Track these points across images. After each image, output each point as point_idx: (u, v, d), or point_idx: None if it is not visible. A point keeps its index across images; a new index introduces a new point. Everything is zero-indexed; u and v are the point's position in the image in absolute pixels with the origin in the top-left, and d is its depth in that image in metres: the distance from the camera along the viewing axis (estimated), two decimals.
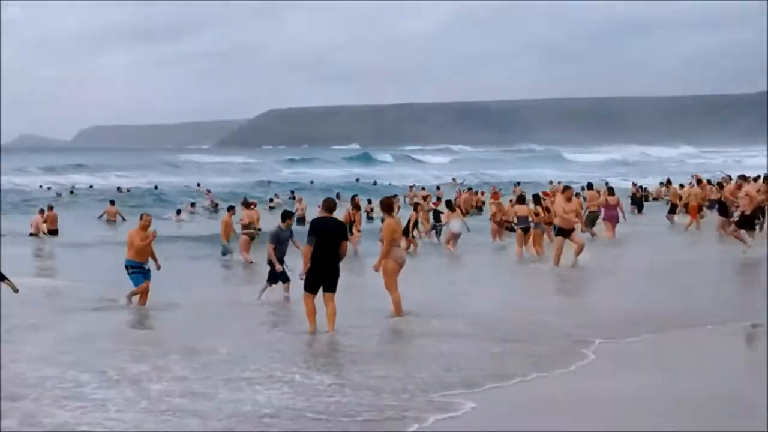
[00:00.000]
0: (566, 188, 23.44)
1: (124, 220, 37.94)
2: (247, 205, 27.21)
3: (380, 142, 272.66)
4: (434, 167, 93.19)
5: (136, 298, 16.97)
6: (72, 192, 55.01)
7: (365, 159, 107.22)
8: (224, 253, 25.87)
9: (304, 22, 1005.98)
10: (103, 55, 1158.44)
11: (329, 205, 13.73)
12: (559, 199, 22.38)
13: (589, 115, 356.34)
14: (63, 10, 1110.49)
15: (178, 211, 41.70)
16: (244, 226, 25.69)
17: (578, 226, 23.42)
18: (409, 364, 11.55)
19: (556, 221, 22.02)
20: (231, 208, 27.19)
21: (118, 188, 54.57)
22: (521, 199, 26.89)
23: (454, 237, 26.44)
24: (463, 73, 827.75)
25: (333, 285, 13.31)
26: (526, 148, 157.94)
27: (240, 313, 16.30)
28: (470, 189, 46.06)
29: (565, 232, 21.70)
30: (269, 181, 55.57)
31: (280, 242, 17.51)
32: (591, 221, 29.24)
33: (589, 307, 16.88)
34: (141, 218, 17.21)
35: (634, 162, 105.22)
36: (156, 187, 55.93)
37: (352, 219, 26.08)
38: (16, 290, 14.78)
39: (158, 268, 16.90)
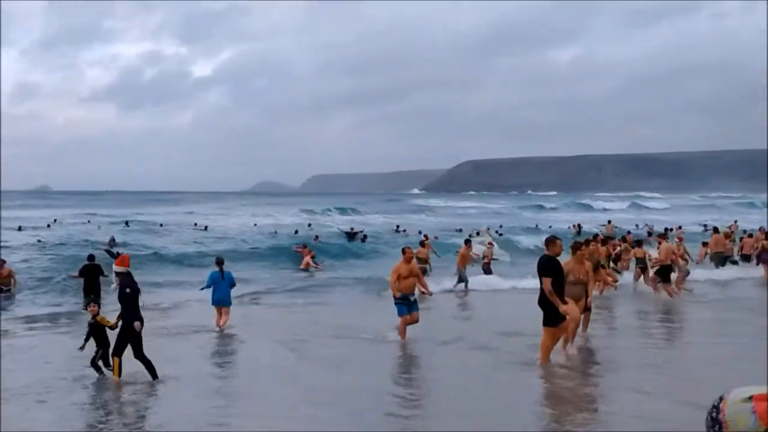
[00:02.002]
0: None
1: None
2: (422, 243, 25.99)
3: (562, 189, 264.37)
4: (655, 212, 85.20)
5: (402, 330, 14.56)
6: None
7: (584, 206, 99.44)
8: (460, 281, 23.96)
9: (493, 87, 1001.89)
10: (327, 117, 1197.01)
11: (547, 242, 12.11)
12: None
13: (751, 166, 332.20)
14: (297, 79, 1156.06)
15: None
16: (418, 260, 23.86)
17: None
18: None
19: None
20: (467, 242, 25.72)
21: (397, 227, 50.75)
22: (639, 243, 24.95)
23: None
24: (632, 128, 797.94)
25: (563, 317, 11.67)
26: (715, 195, 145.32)
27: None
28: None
29: None
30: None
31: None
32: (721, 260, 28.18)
33: None
34: (403, 252, 14.92)
35: None
36: (399, 228, 51.16)
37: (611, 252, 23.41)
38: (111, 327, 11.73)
39: (430, 294, 15.40)
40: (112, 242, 30.11)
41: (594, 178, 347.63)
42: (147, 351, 11.38)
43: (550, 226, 48.91)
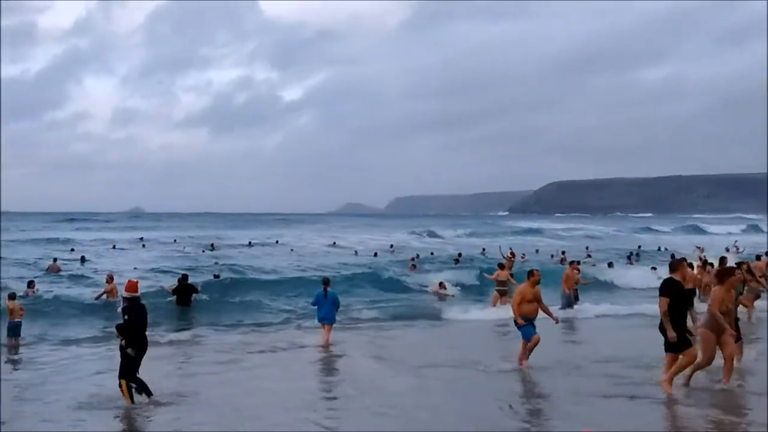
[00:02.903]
0: None
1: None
2: (501, 266, 25.33)
3: (651, 210, 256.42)
4: None
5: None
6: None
7: (695, 229, 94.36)
8: (564, 306, 22.67)
9: (579, 108, 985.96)
10: (413, 140, 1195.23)
11: (672, 266, 11.45)
12: None
13: None
14: (384, 102, 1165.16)
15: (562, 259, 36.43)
16: (499, 283, 24.15)
17: None
18: None
19: None
20: (572, 263, 25.50)
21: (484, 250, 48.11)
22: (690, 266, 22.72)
23: None
24: (722, 147, 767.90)
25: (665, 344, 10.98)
26: None
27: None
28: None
29: None
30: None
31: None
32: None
33: None
34: (531, 274, 13.96)
35: None
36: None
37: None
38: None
39: (556, 320, 14.20)
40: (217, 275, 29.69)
41: (684, 199, 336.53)
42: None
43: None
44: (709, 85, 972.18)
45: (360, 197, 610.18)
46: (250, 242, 55.52)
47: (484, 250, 47.09)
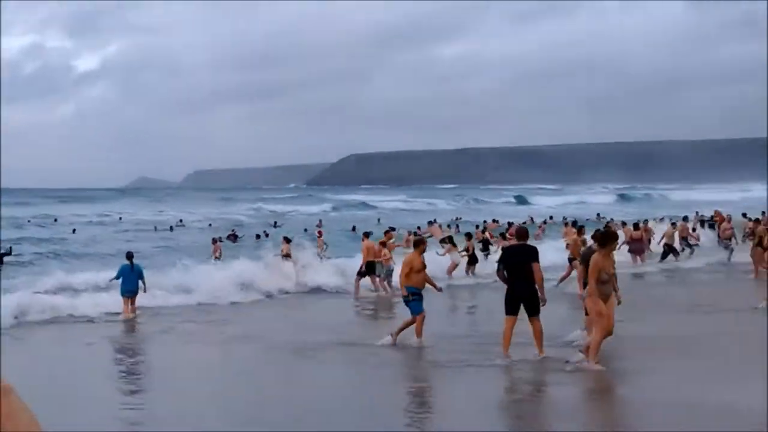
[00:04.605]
0: None
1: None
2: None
3: (445, 181, 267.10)
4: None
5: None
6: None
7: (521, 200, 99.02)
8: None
9: (381, 83, 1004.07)
10: (210, 113, 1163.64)
11: (521, 233, 12.50)
12: None
13: (631, 157, 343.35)
14: (183, 74, 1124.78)
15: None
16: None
17: None
18: None
19: None
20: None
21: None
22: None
23: None
24: (517, 122, 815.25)
25: (535, 308, 11.76)
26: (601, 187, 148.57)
27: None
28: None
29: None
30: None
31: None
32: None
33: None
34: (422, 242, 14.36)
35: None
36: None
37: None
38: None
39: (439, 289, 14.57)
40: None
41: (475, 170, 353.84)
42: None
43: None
44: (501, 62, 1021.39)
45: (154, 171, 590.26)
46: (56, 219, 52.92)
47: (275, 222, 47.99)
